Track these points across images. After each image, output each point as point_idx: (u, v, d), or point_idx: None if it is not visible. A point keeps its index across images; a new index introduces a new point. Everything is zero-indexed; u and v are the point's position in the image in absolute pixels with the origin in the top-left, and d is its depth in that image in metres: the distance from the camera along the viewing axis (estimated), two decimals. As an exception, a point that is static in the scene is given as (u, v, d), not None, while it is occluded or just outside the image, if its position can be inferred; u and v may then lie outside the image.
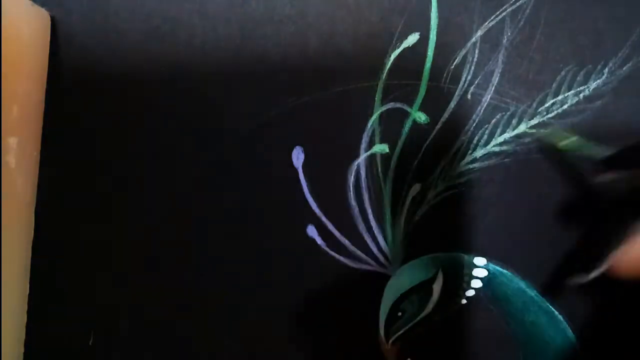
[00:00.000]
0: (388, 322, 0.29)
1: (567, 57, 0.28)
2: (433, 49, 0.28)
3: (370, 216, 0.29)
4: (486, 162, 0.29)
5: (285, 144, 0.29)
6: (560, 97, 0.28)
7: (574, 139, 0.27)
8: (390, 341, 0.29)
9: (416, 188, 0.29)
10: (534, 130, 0.28)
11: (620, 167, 0.24)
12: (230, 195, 0.29)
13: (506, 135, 0.28)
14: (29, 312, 0.28)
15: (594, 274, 0.26)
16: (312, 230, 0.29)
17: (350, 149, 0.29)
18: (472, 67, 0.28)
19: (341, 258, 0.29)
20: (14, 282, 0.27)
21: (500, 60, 0.28)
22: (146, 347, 0.29)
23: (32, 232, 0.28)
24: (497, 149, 0.28)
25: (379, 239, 0.29)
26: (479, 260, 0.29)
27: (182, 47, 0.28)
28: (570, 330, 0.28)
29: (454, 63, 0.28)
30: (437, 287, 0.29)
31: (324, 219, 0.29)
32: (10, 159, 0.26)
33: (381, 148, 0.29)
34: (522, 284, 0.28)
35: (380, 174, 0.29)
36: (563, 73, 0.28)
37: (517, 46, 0.28)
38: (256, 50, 0.28)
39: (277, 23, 0.28)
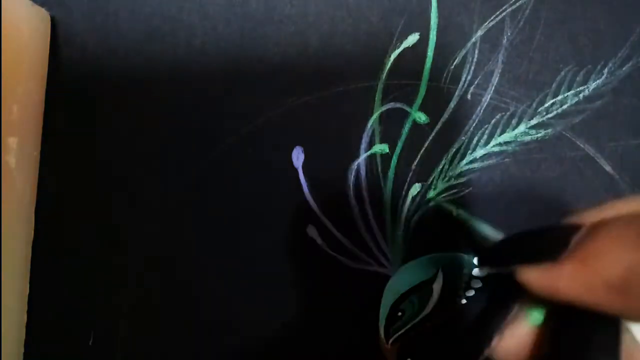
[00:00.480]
0: (388, 322, 0.29)
1: (567, 57, 0.28)
2: (433, 49, 0.28)
3: (370, 216, 0.29)
4: (486, 162, 0.29)
5: (285, 144, 0.29)
6: (560, 97, 0.28)
7: (460, 211, 0.27)
8: (390, 341, 0.29)
9: (416, 188, 0.29)
10: (534, 130, 0.28)
11: (496, 263, 0.24)
12: (230, 195, 0.29)
13: (506, 135, 0.28)
14: (29, 312, 0.28)
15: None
16: (312, 230, 0.29)
17: (350, 149, 0.29)
18: (472, 67, 0.28)
19: (341, 258, 0.29)
20: (14, 282, 0.27)
21: (500, 60, 0.28)
22: (146, 347, 0.29)
23: (32, 232, 0.28)
24: (497, 149, 0.28)
25: (379, 239, 0.29)
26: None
27: (182, 47, 0.28)
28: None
29: (454, 63, 0.28)
30: (437, 287, 0.29)
31: (324, 219, 0.29)
32: (10, 159, 0.26)
33: (381, 148, 0.29)
34: (522, 284, 0.28)
35: (380, 174, 0.29)
36: (563, 73, 0.28)
37: (517, 46, 0.28)
38: (256, 50, 0.28)
39: (277, 23, 0.28)
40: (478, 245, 0.27)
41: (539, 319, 0.22)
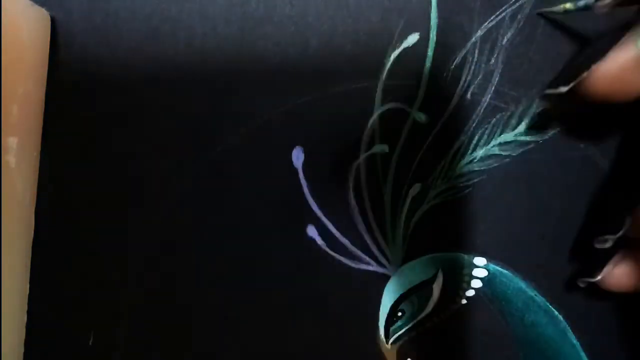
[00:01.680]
0: (388, 322, 0.29)
1: (567, 57, 0.28)
2: (433, 49, 0.28)
3: (370, 216, 0.29)
4: (486, 162, 0.29)
5: (285, 144, 0.29)
6: (560, 97, 0.28)
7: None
8: (390, 341, 0.29)
9: (416, 188, 0.29)
10: (534, 131, 0.28)
11: None
12: (229, 196, 0.29)
13: (506, 136, 0.28)
14: (29, 312, 0.28)
15: (563, 88, 0.24)
16: (312, 230, 0.29)
17: (350, 149, 0.29)
18: (472, 67, 0.28)
19: (341, 258, 0.29)
20: (14, 282, 0.27)
21: (500, 61, 0.28)
22: (146, 347, 0.29)
23: (32, 232, 0.28)
24: (497, 149, 0.28)
25: (379, 239, 0.29)
26: (479, 260, 0.29)
27: (182, 47, 0.28)
28: (571, 331, 0.28)
29: (454, 63, 0.28)
30: (437, 287, 0.29)
31: (324, 219, 0.29)
32: (10, 159, 0.26)
33: (381, 148, 0.29)
34: (522, 284, 0.28)
35: (380, 174, 0.29)
36: (563, 73, 0.28)
37: (517, 46, 0.28)
38: (256, 50, 0.28)
39: (277, 23, 0.28)
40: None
41: None
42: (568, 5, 0.26)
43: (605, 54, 0.22)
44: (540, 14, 0.27)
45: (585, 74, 0.23)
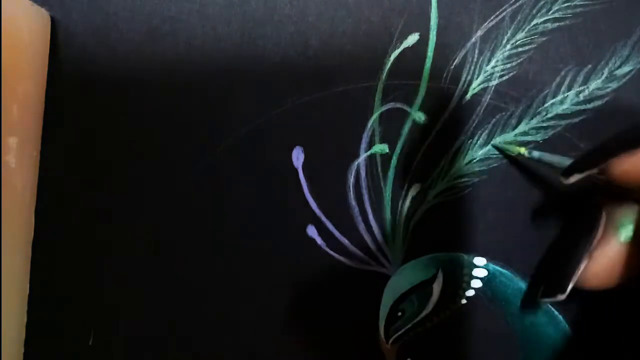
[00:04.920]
0: (388, 322, 0.29)
1: (567, 57, 0.28)
2: (433, 49, 0.28)
3: (370, 216, 0.29)
4: (486, 162, 0.29)
5: (285, 144, 0.29)
6: (559, 97, 0.28)
7: (523, 150, 0.27)
8: (390, 341, 0.29)
9: (416, 188, 0.29)
10: (534, 131, 0.28)
11: (582, 170, 0.23)
12: (229, 195, 0.29)
13: (506, 136, 0.28)
14: (29, 312, 0.28)
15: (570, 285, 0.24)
16: (312, 230, 0.29)
17: (350, 149, 0.29)
18: (472, 67, 0.28)
19: (341, 258, 0.29)
20: (14, 282, 0.27)
21: (500, 60, 0.28)
22: (146, 347, 0.29)
23: (32, 232, 0.28)
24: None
25: (379, 239, 0.29)
26: (479, 260, 0.29)
27: (182, 47, 0.28)
28: (571, 330, 0.28)
29: (454, 63, 0.28)
30: (437, 287, 0.29)
31: (324, 219, 0.29)
32: (10, 159, 0.26)
33: (381, 148, 0.29)
34: (522, 284, 0.28)
35: (380, 174, 0.29)
36: (563, 73, 0.28)
37: (517, 46, 0.28)
38: (256, 50, 0.28)
39: (277, 23, 0.28)
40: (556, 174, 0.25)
41: (629, 235, 0.22)
42: (522, 150, 0.27)
43: (589, 251, 0.23)
44: (495, 146, 0.28)
45: (576, 275, 0.24)
